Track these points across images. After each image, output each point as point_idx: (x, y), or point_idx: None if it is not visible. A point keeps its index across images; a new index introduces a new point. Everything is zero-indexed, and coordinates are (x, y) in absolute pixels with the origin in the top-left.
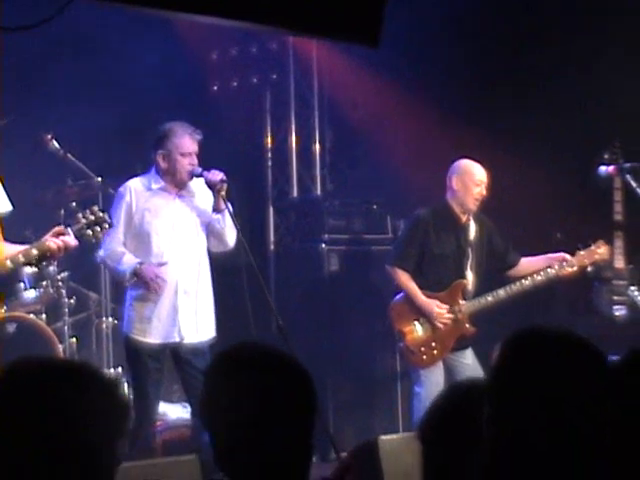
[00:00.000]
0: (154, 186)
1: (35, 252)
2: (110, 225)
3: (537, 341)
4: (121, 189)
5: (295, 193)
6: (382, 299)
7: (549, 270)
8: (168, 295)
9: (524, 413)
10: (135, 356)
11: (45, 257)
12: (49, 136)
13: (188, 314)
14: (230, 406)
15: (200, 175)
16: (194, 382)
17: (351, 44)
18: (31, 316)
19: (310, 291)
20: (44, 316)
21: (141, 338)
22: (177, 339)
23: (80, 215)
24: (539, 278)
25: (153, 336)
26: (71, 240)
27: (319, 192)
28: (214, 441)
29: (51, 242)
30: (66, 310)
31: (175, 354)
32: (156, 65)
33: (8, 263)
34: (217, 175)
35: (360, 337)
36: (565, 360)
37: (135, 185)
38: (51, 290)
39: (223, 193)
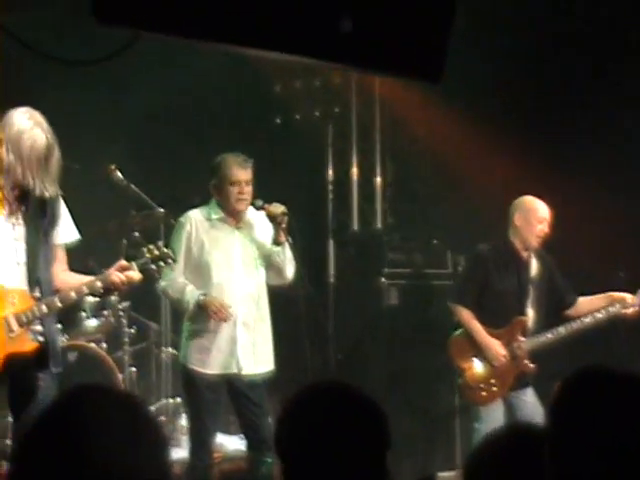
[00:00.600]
0: (213, 217)
1: (99, 284)
2: (174, 261)
3: (598, 381)
4: (181, 219)
5: (356, 226)
6: (442, 334)
7: (610, 309)
8: (227, 326)
9: (582, 456)
10: (193, 387)
11: (108, 290)
12: (113, 167)
13: (246, 346)
14: (307, 440)
15: (261, 207)
16: (250, 415)
17: (413, 79)
18: (92, 345)
19: (370, 325)
20: (105, 345)
21: (199, 369)
22: (235, 370)
23: (145, 250)
24: (599, 316)
25: (211, 367)
26: (135, 275)
27: (380, 226)
28: (288, 474)
29: (115, 276)
30: (126, 340)
31: (232, 386)
32: (221, 98)
33: (72, 294)
34: (278, 208)
35: (419, 371)
36: (626, 402)
37: (195, 215)
38: (112, 319)
39: (284, 226)
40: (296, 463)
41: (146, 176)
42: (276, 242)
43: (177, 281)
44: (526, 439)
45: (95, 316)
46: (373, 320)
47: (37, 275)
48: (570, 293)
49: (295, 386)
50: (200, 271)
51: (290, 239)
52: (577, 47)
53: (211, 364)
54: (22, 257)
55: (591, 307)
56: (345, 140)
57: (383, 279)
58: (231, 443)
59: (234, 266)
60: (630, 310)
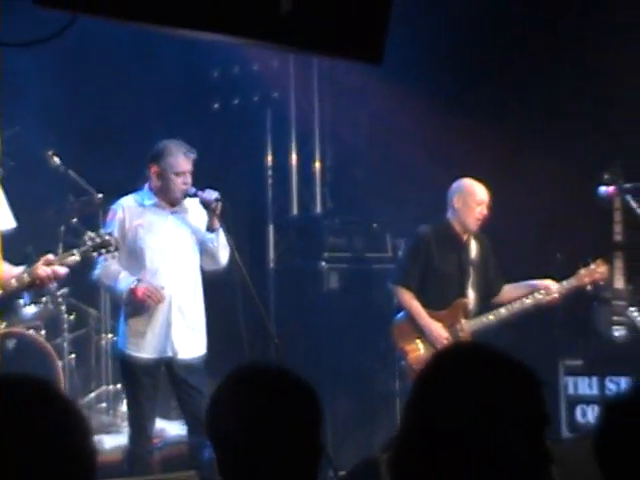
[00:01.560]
0: (147, 202)
1: (27, 279)
2: (116, 249)
3: (463, 357)
4: (114, 206)
5: (295, 211)
6: (382, 317)
7: (536, 295)
8: (162, 310)
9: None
10: (129, 372)
11: (35, 284)
12: (50, 152)
13: (182, 330)
14: (237, 422)
15: (194, 195)
16: (190, 400)
17: (354, 61)
18: (31, 332)
19: (310, 309)
20: (44, 332)
21: (135, 353)
22: (170, 354)
23: (86, 237)
24: (527, 302)
25: (147, 351)
26: (60, 269)
27: (319, 210)
28: (220, 457)
29: (41, 270)
30: (66, 326)
31: (170, 371)
32: (157, 83)
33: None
34: (212, 194)
35: (360, 355)
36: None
37: (128, 202)
38: (51, 306)
39: (218, 212)
40: (228, 446)
41: (84, 162)
42: (210, 228)
43: (111, 268)
44: None
45: (34, 303)
46: (313, 304)
47: None
48: (498, 281)
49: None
50: (134, 257)
51: (224, 225)
52: (520, 31)
53: (146, 348)
54: None
55: (515, 294)
56: (284, 125)
57: (323, 263)
58: (172, 428)
59: (169, 251)
60: (554, 297)
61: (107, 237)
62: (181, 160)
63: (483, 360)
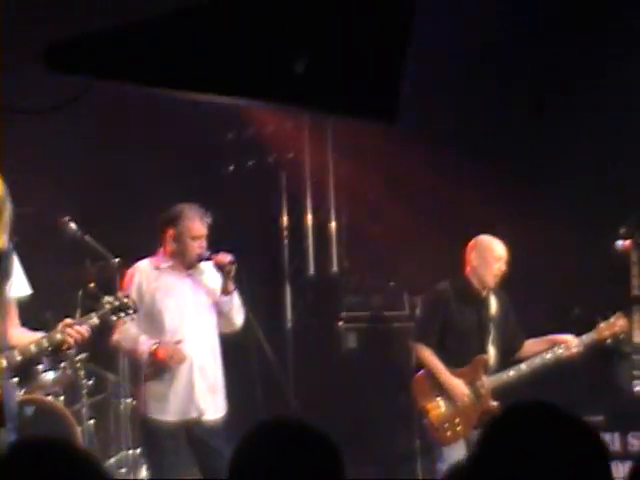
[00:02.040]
0: (163, 265)
1: (46, 344)
2: (135, 311)
3: (527, 416)
4: (130, 270)
5: (312, 271)
6: (401, 375)
7: (557, 350)
8: (183, 372)
9: None
10: (152, 437)
11: (57, 349)
12: (66, 219)
13: (204, 390)
14: (259, 477)
15: (209, 258)
16: (211, 463)
17: (368, 123)
18: (49, 398)
19: (328, 369)
20: (62, 398)
21: (159, 417)
22: (195, 415)
23: (104, 301)
24: (548, 357)
25: (170, 414)
26: (82, 329)
27: (336, 270)
28: None
29: (60, 334)
30: (84, 391)
31: (191, 434)
32: (172, 145)
33: (15, 354)
34: (225, 257)
35: (380, 414)
36: (554, 434)
37: (144, 266)
38: (69, 371)
39: (232, 275)
40: None
41: (100, 227)
42: (225, 291)
43: (130, 332)
44: None
45: (52, 369)
46: (332, 364)
47: None
48: (519, 337)
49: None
50: (153, 319)
51: (238, 287)
52: (525, 85)
53: (170, 411)
54: None
55: (535, 349)
56: (299, 185)
57: (341, 323)
58: None
59: (186, 312)
60: (574, 351)
61: (125, 300)
62: (197, 224)
63: (550, 417)
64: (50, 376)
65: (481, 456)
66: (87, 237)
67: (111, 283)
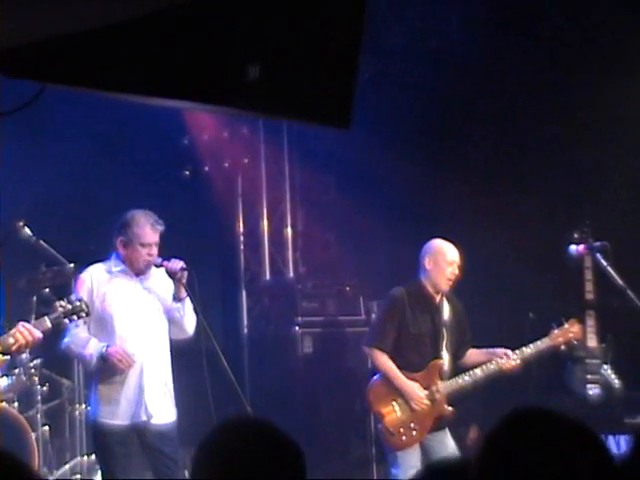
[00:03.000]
0: (114, 269)
1: (10, 341)
2: (87, 314)
3: (534, 422)
4: (82, 275)
5: (268, 276)
6: (356, 381)
7: (499, 360)
8: (134, 375)
9: None
10: (103, 442)
11: (11, 350)
12: (21, 223)
13: (154, 394)
14: (222, 475)
15: (160, 265)
16: (166, 470)
17: (322, 126)
18: (3, 404)
19: (285, 374)
20: (16, 404)
21: (108, 421)
22: (144, 418)
23: (57, 304)
24: (491, 367)
25: (120, 417)
26: (36, 331)
27: (292, 275)
28: None
29: (18, 333)
30: (39, 398)
31: (143, 440)
32: (127, 151)
33: None
34: (177, 264)
35: (336, 420)
36: (560, 442)
37: (96, 270)
38: (23, 377)
39: (184, 281)
40: None
41: (55, 232)
42: (176, 298)
43: (79, 336)
44: (446, 475)
45: (6, 375)
46: (288, 369)
47: None
48: (467, 344)
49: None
50: (103, 323)
51: (190, 293)
52: (486, 88)
53: (119, 415)
54: None
55: (477, 360)
56: (255, 191)
57: (297, 328)
58: None
59: (137, 317)
60: (513, 363)
61: (78, 303)
62: (148, 231)
63: (551, 424)
64: (4, 382)
65: (485, 466)
66: (41, 242)
67: (66, 288)
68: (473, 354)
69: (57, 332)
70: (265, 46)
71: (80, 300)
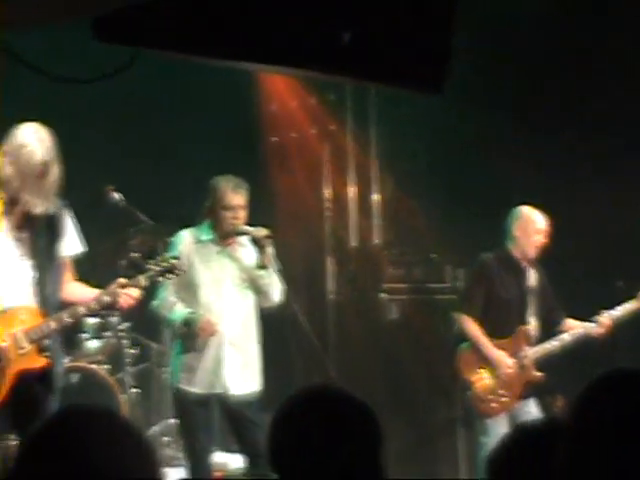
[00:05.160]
0: (204, 237)
1: (106, 299)
2: (183, 271)
3: (625, 383)
4: (174, 239)
5: (354, 242)
6: (442, 347)
7: (580, 329)
8: (213, 345)
9: (607, 453)
10: (182, 405)
11: (113, 306)
12: (110, 187)
13: (233, 366)
14: (299, 445)
15: (245, 232)
16: (247, 432)
17: (413, 91)
18: (93, 366)
19: (370, 340)
20: (106, 366)
21: (187, 387)
22: (220, 390)
23: (152, 263)
24: (580, 331)
25: (197, 386)
26: (134, 292)
27: (378, 241)
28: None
29: (114, 295)
30: (128, 360)
31: (222, 405)
32: (215, 117)
33: (81, 309)
34: (261, 231)
35: (421, 385)
36: None
37: (186, 236)
38: (113, 340)
39: (268, 249)
40: (291, 473)
41: (145, 195)
42: (261, 266)
43: (167, 300)
44: (534, 436)
45: (96, 337)
46: (373, 335)
47: (45, 292)
48: (559, 310)
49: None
50: (189, 290)
51: (276, 261)
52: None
53: (197, 383)
54: (29, 274)
55: (570, 328)
56: (342, 157)
57: (383, 294)
58: (233, 461)
59: (222, 287)
60: (601, 328)
61: (172, 261)
62: (229, 195)
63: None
64: (94, 345)
65: (577, 430)
66: (131, 206)
67: (154, 252)
68: (570, 324)
69: (147, 295)
70: (358, 10)
71: (175, 257)
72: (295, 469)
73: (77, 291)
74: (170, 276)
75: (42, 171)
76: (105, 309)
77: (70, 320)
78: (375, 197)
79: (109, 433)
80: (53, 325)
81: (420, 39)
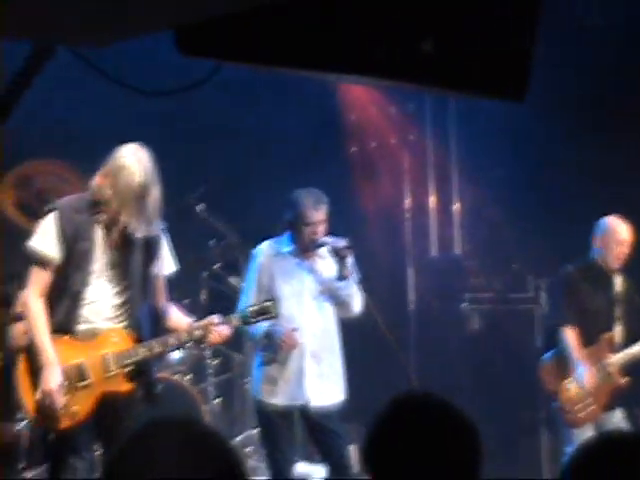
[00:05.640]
0: (284, 249)
1: (198, 333)
2: (275, 317)
3: None
4: (254, 251)
5: (434, 252)
6: (525, 357)
7: None
8: (295, 358)
9: None
10: (264, 417)
11: (197, 343)
12: (194, 199)
13: (314, 378)
14: (399, 453)
15: (324, 244)
16: (328, 442)
17: (495, 99)
18: (176, 377)
19: (452, 350)
20: (189, 377)
21: (268, 399)
22: (302, 402)
23: (249, 307)
24: None
25: (279, 398)
26: (226, 330)
27: (459, 251)
28: None
29: (206, 332)
30: (210, 371)
31: (304, 415)
32: (293, 127)
33: (171, 340)
34: (341, 242)
35: (503, 395)
36: None
37: (267, 248)
38: (195, 351)
39: (348, 260)
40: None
41: (225, 207)
42: (341, 277)
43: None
44: (620, 446)
45: (179, 348)
46: (455, 345)
47: (137, 314)
48: None
49: (370, 415)
50: None
51: (355, 272)
52: None
53: (278, 395)
54: (123, 295)
55: None
56: (421, 167)
57: (464, 304)
58: (316, 472)
59: (303, 299)
60: None
61: (267, 304)
62: (309, 212)
63: None
64: (177, 355)
65: None
66: (212, 217)
67: (235, 264)
68: None
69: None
70: (439, 18)
71: (270, 301)
72: (392, 475)
73: (170, 314)
74: (262, 318)
75: (141, 193)
76: (194, 342)
77: (160, 350)
78: (456, 206)
79: (193, 443)
80: (143, 353)
81: (503, 46)
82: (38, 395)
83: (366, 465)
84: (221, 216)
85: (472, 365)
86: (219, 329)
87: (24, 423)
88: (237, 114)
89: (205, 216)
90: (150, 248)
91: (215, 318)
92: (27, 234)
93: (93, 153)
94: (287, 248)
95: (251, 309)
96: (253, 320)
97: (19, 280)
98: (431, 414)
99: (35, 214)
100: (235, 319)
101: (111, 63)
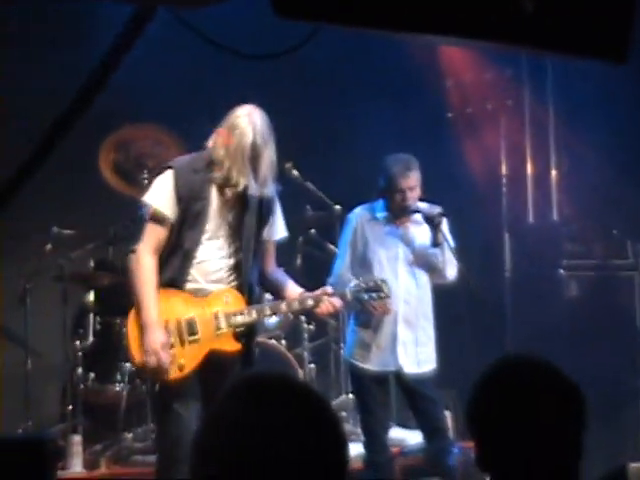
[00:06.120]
0: (379, 215)
1: (310, 303)
2: (387, 296)
3: None
4: (349, 215)
5: (531, 219)
6: (624, 324)
7: None
8: (388, 324)
9: None
10: (358, 381)
11: (309, 310)
12: (289, 164)
13: (407, 344)
14: (506, 413)
15: (417, 211)
16: (425, 409)
17: (596, 61)
18: (272, 342)
19: (549, 316)
20: (284, 342)
21: (361, 364)
22: (393, 369)
23: (361, 279)
24: None
25: (372, 363)
26: (337, 302)
27: (556, 217)
28: (483, 446)
29: (319, 302)
30: (305, 336)
31: (399, 382)
32: (389, 93)
33: (283, 307)
34: (435, 209)
35: (603, 363)
36: None
37: (361, 213)
38: (291, 316)
39: (441, 227)
40: (492, 441)
41: (322, 172)
42: (435, 243)
43: (343, 276)
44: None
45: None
46: (552, 312)
47: (248, 275)
48: None
49: (463, 382)
50: (364, 268)
51: (450, 240)
52: None
53: (371, 360)
54: (235, 256)
55: None
56: (518, 133)
57: (562, 271)
58: (411, 437)
59: (396, 265)
60: None
61: (380, 282)
62: (399, 177)
63: None
64: (272, 320)
65: None
66: (308, 183)
67: (331, 230)
68: None
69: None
70: None
71: (383, 281)
72: (497, 438)
73: (280, 279)
74: (373, 295)
75: (253, 153)
76: (304, 311)
77: (270, 313)
78: (553, 172)
79: (291, 397)
80: (254, 315)
81: (603, 6)
82: (144, 354)
83: (470, 426)
84: (318, 180)
85: (569, 332)
86: (332, 300)
87: (122, 385)
88: (333, 78)
89: (301, 182)
90: (263, 211)
91: (328, 289)
92: (125, 199)
93: (189, 117)
94: (381, 214)
95: (364, 285)
96: (366, 297)
97: (118, 245)
98: (538, 376)
99: (133, 179)
100: (349, 293)
101: (209, 27)
